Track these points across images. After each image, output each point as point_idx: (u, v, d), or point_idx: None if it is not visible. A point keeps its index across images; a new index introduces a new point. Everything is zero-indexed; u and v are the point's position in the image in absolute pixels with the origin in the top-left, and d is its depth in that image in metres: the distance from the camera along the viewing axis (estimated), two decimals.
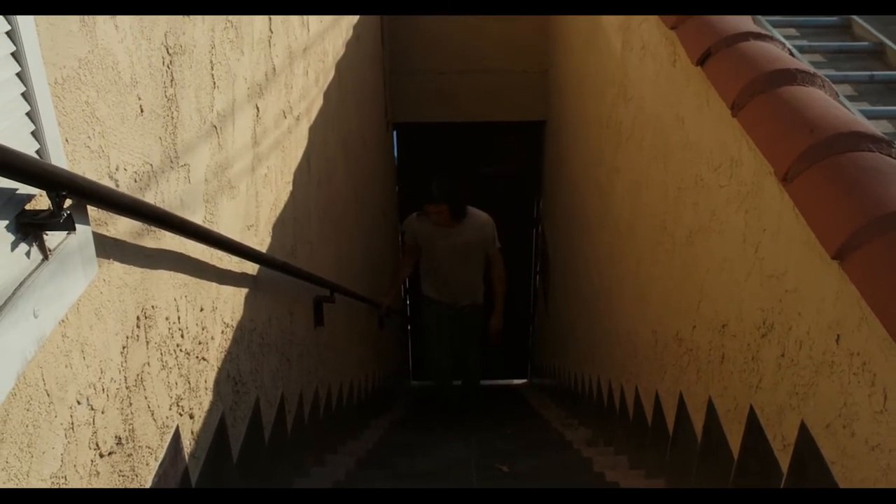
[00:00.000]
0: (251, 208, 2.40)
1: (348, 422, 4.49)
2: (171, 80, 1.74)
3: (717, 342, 2.33)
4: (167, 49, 1.72)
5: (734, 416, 2.19)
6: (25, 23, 1.12)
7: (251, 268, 2.37)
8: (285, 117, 2.84)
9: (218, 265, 2.08)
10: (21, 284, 1.11)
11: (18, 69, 1.11)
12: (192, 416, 1.85)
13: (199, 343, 1.91)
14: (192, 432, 1.86)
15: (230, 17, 2.18)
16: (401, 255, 5.63)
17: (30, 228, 1.13)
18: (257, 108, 2.47)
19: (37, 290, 1.14)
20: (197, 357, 1.89)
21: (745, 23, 2.51)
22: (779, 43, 2.39)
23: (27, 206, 1.14)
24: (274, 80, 2.67)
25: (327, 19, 3.78)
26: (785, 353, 1.86)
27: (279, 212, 2.73)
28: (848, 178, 1.62)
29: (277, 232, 2.70)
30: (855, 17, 3.43)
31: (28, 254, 1.14)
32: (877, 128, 2.46)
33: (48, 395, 1.21)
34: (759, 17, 3.40)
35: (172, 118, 1.75)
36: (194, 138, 1.89)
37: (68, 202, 1.15)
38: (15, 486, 1.11)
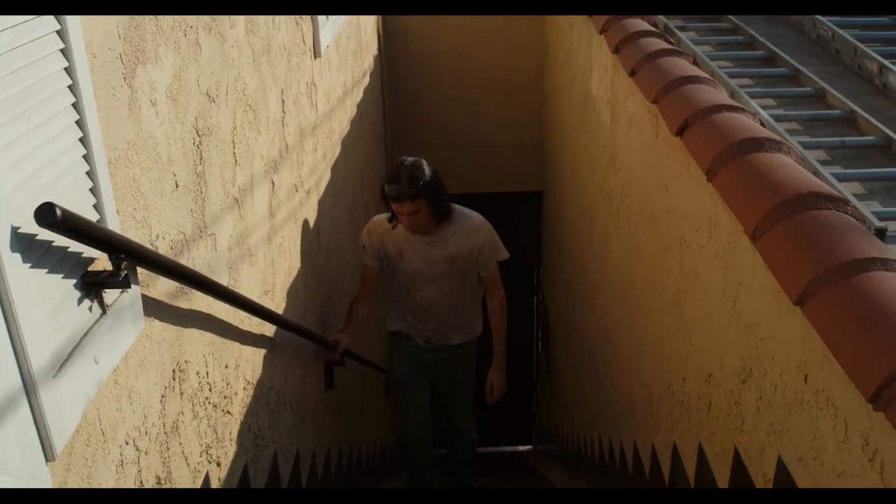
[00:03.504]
0: (268, 275, 2.59)
1: (358, 484, 4.60)
2: (200, 159, 1.95)
3: (705, 391, 2.50)
4: (197, 131, 1.93)
5: (721, 458, 2.34)
6: (90, 111, 1.32)
7: (269, 330, 2.55)
8: (297, 191, 3.05)
9: (240, 326, 2.26)
10: (85, 334, 1.29)
11: (84, 152, 1.31)
12: (219, 464, 2.01)
13: (225, 397, 2.08)
14: (219, 479, 2.01)
15: (248, 101, 2.40)
16: (360, 284, 3.87)
17: (92, 286, 1.32)
18: (273, 183, 2.69)
19: (97, 339, 1.32)
20: (223, 410, 2.06)
21: (719, 96, 2.74)
22: (750, 113, 2.61)
23: (90, 268, 1.33)
24: (287, 156, 2.89)
25: (333, 98, 4.03)
26: (762, 396, 2.03)
27: (293, 278, 2.92)
28: (806, 233, 1.81)
29: (291, 297, 2.88)
30: (829, 88, 3.67)
31: (90, 308, 1.32)
32: (848, 189, 2.67)
33: (103, 434, 1.38)
34: (738, 90, 3.63)
35: (201, 192, 1.95)
36: (219, 210, 2.09)
37: (124, 264, 1.34)
38: None
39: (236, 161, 2.27)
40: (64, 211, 1.11)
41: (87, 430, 1.32)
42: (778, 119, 3.46)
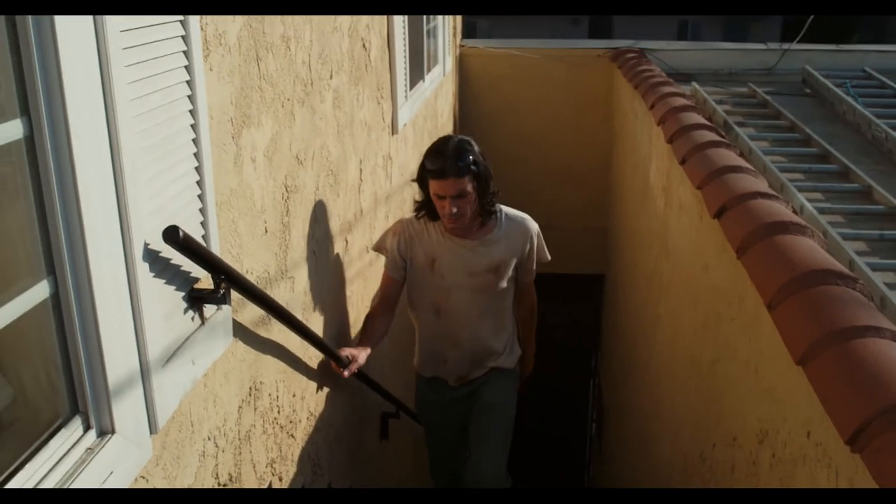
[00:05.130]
0: (336, 323, 2.89)
1: None
2: (287, 211, 2.28)
3: (729, 455, 2.67)
4: (286, 187, 2.26)
5: None
6: (207, 161, 1.65)
7: (332, 374, 2.83)
8: (368, 252, 3.37)
9: (308, 363, 2.55)
10: (187, 339, 1.59)
11: (199, 192, 1.63)
12: (280, 479, 2.27)
13: (290, 422, 2.36)
14: None
15: (331, 167, 2.74)
16: (377, 298, 3.29)
17: (195, 300, 1.62)
18: (346, 241, 3.00)
19: (195, 345, 1.62)
20: (287, 433, 2.33)
21: (758, 185, 2.98)
22: (784, 201, 2.84)
23: (195, 285, 1.64)
24: (361, 220, 3.22)
25: (407, 172, 4.37)
26: (775, 454, 2.21)
27: (358, 327, 3.21)
28: (815, 305, 2.02)
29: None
30: (875, 186, 3.86)
31: (193, 318, 1.62)
32: (881, 278, 2.86)
33: (192, 425, 1.66)
34: (787, 183, 3.84)
35: (285, 240, 2.27)
36: (299, 258, 2.41)
37: (223, 285, 1.65)
38: (167, 487, 1.55)
39: (316, 218, 2.59)
40: (185, 233, 1.43)
41: (180, 418, 1.60)
42: (822, 212, 3.66)
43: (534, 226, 3.24)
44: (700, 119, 4.00)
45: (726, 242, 2.76)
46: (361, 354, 2.85)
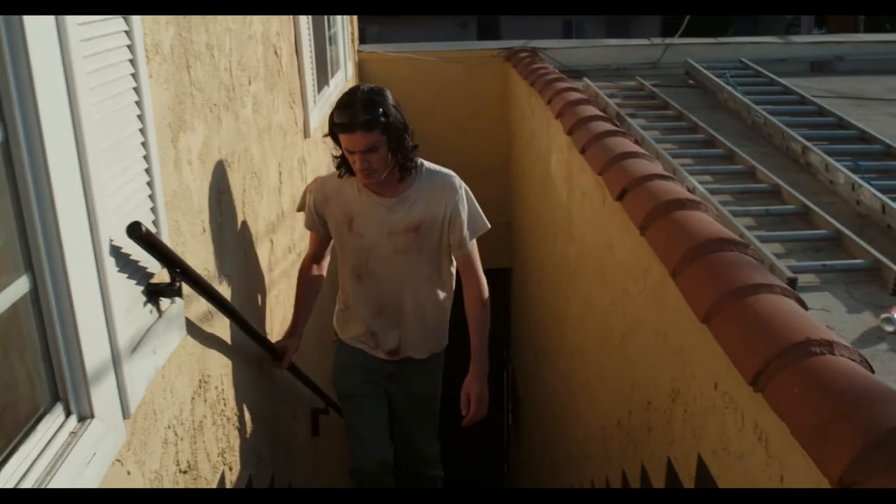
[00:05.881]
0: (267, 320, 2.98)
1: None
2: (220, 212, 2.37)
3: (645, 418, 2.89)
4: (218, 189, 2.36)
5: (658, 473, 2.72)
6: (155, 164, 1.74)
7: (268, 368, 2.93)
8: (290, 252, 3.47)
9: (247, 358, 2.64)
10: (148, 330, 1.68)
11: (150, 192, 1.73)
12: (230, 469, 2.37)
13: (236, 414, 2.45)
14: (231, 482, 2.37)
15: (255, 170, 2.84)
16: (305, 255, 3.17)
17: (152, 294, 1.72)
18: (271, 242, 3.10)
19: (155, 336, 1.71)
20: (233, 425, 2.43)
21: (654, 168, 3.22)
22: (679, 181, 3.09)
23: (151, 280, 1.73)
24: (283, 220, 3.32)
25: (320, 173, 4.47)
26: (687, 409, 2.43)
27: (286, 327, 3.30)
28: (712, 268, 2.25)
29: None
30: (758, 166, 4.17)
31: (151, 311, 1.72)
32: (769, 249, 3.12)
33: (154, 413, 1.76)
34: (679, 167, 4.12)
35: (221, 239, 2.36)
36: (233, 257, 2.50)
37: (178, 278, 1.75)
38: (138, 471, 1.64)
39: (245, 218, 2.69)
40: (147, 229, 1.53)
41: (144, 407, 1.69)
42: (713, 192, 3.93)
43: (458, 182, 3.00)
44: (596, 111, 4.25)
45: (629, 222, 2.98)
46: (290, 345, 2.88)
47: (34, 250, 1.32)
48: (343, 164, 2.86)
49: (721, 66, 6.31)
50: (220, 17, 2.43)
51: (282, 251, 3.28)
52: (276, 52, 3.34)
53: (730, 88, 5.60)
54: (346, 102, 2.69)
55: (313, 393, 3.63)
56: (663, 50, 6.99)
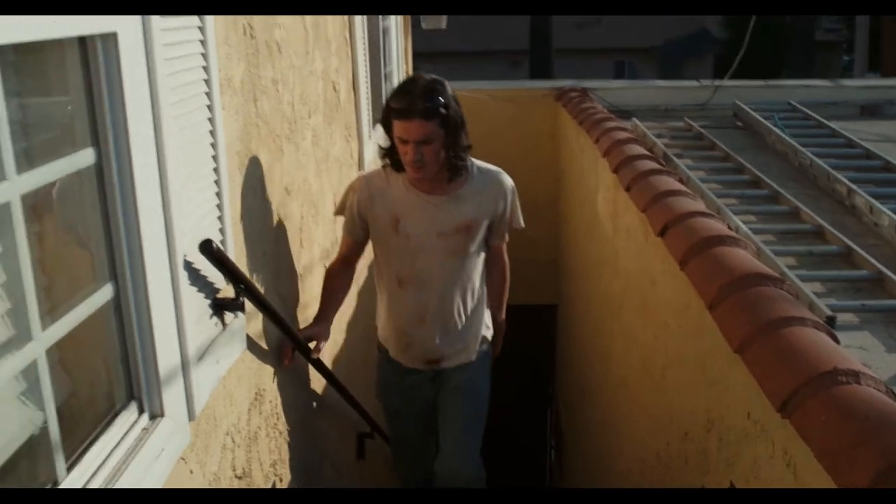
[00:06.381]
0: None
1: None
2: (279, 237, 2.52)
3: (682, 449, 2.96)
4: (278, 215, 2.51)
5: None
6: (225, 189, 1.90)
7: (319, 385, 3.06)
8: None
9: (299, 377, 2.78)
10: (213, 341, 1.83)
11: (220, 214, 1.88)
12: (281, 480, 2.49)
13: (288, 429, 2.58)
14: None
15: (312, 198, 2.99)
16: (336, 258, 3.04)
17: (218, 308, 1.86)
18: (324, 267, 3.24)
19: (219, 347, 1.85)
20: (285, 439, 2.56)
21: (696, 205, 3.31)
22: (720, 219, 3.17)
23: (217, 295, 1.88)
24: (335, 249, 3.45)
25: None
26: (721, 438, 2.50)
27: (337, 351, 3.44)
28: (748, 302, 2.33)
29: (335, 366, 3.40)
30: (802, 207, 4.23)
31: (216, 324, 1.86)
32: (810, 288, 3.18)
33: (215, 419, 1.89)
34: (723, 207, 4.18)
35: (280, 264, 2.51)
36: (289, 281, 2.65)
37: (241, 294, 1.89)
38: (199, 471, 1.78)
39: (301, 244, 2.84)
40: (218, 246, 1.67)
41: (207, 412, 1.83)
42: (756, 231, 3.99)
43: (509, 181, 2.96)
44: (642, 150, 4.35)
45: (670, 257, 3.07)
46: (320, 333, 2.68)
47: (118, 261, 1.47)
48: (390, 155, 2.74)
49: (770, 109, 6.37)
50: (285, 54, 2.60)
51: None
52: (334, 88, 3.52)
53: (777, 130, 5.66)
54: (406, 88, 2.59)
55: (360, 416, 3.74)
56: (712, 92, 7.08)
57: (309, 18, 2.98)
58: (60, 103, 1.38)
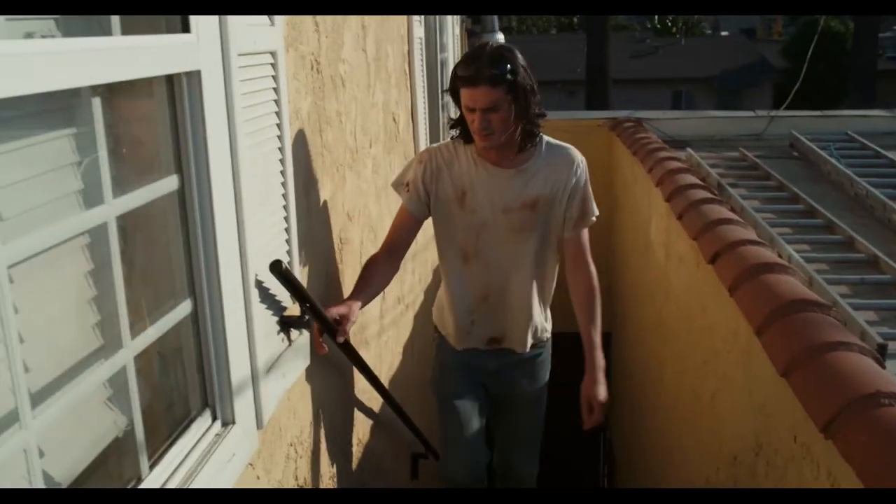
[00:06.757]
0: (377, 363, 3.24)
1: None
2: (341, 260, 2.65)
3: (731, 473, 3.00)
4: (340, 239, 2.64)
5: None
6: (291, 212, 2.03)
7: (377, 405, 3.17)
8: (399, 303, 3.73)
9: (359, 395, 2.89)
10: (280, 356, 1.95)
11: (287, 237, 2.01)
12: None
13: (346, 444, 2.69)
14: None
15: (372, 224, 3.12)
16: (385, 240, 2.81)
17: (285, 325, 1.99)
18: (383, 294, 3.37)
19: (285, 362, 1.98)
20: (343, 454, 2.67)
21: (747, 234, 3.36)
22: (770, 247, 3.22)
23: (284, 313, 2.01)
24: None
25: (428, 236, 4.76)
26: (769, 462, 2.54)
27: (393, 372, 3.56)
28: (795, 327, 2.39)
29: (392, 387, 3.51)
30: (856, 237, 4.24)
31: (283, 340, 1.99)
32: (862, 317, 3.20)
33: (280, 430, 2.01)
34: (776, 237, 4.21)
35: (340, 285, 2.63)
36: None
37: (307, 313, 2.02)
38: (265, 475, 1.89)
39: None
40: (286, 266, 1.80)
41: (273, 423, 1.95)
42: (809, 261, 4.02)
43: (580, 156, 2.83)
44: (694, 180, 4.41)
45: (720, 284, 3.13)
46: (348, 313, 2.31)
47: (197, 278, 1.60)
48: (459, 124, 2.70)
49: (826, 139, 6.36)
50: (348, 88, 2.75)
51: (392, 301, 3.55)
52: (394, 119, 3.66)
53: (833, 160, 5.66)
54: (474, 55, 2.53)
55: (414, 436, 3.84)
56: (768, 122, 7.08)
57: (371, 53, 3.13)
58: (150, 134, 1.52)
